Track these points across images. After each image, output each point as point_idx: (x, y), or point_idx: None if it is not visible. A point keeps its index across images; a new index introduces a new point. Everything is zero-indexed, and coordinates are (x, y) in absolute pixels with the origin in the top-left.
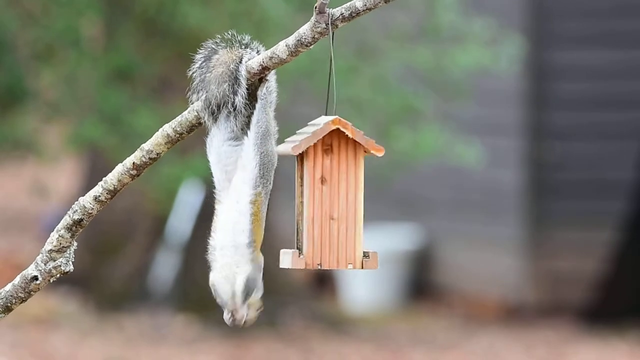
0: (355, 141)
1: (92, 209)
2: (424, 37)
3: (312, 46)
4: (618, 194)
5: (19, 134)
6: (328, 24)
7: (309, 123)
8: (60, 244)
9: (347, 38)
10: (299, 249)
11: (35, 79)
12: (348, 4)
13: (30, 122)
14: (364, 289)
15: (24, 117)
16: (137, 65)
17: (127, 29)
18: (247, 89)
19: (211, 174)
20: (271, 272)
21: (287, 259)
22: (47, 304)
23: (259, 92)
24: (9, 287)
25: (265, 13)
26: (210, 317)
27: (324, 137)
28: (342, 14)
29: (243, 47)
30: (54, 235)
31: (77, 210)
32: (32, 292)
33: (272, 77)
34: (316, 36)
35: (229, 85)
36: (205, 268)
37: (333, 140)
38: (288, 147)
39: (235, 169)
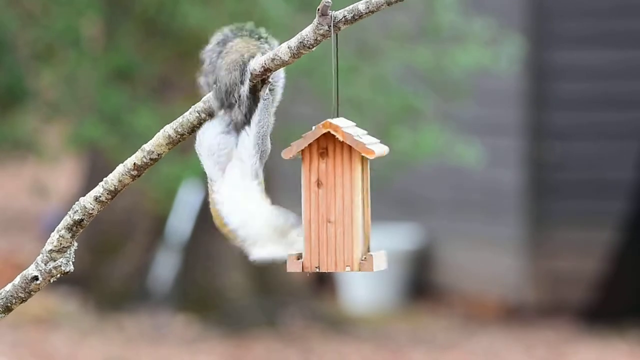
0: (350, 146)
1: (93, 209)
2: (424, 37)
3: (314, 48)
4: (618, 194)
5: (19, 134)
6: (330, 26)
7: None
8: (61, 244)
9: (347, 38)
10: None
11: (35, 79)
12: (351, 6)
13: (30, 122)
14: (364, 289)
15: (24, 117)
16: (137, 65)
17: (127, 29)
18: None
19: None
20: (271, 272)
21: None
22: (47, 303)
23: (261, 93)
24: (9, 287)
25: (265, 13)
26: (210, 317)
27: (319, 141)
28: (344, 17)
29: (262, 40)
30: (54, 236)
31: (77, 210)
32: (32, 292)
33: (281, 74)
34: (319, 38)
35: (239, 73)
36: (206, 268)
37: (328, 143)
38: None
39: (227, 159)
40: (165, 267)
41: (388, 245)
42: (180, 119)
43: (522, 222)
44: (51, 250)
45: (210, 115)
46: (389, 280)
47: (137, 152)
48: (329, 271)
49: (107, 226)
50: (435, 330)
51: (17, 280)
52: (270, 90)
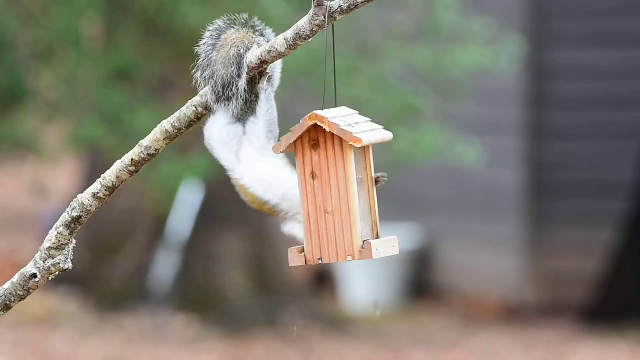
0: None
1: (91, 206)
2: (424, 37)
3: (311, 39)
4: (618, 194)
5: (19, 134)
6: (326, 16)
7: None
8: (59, 241)
9: (347, 38)
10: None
11: (35, 79)
12: None
13: (30, 122)
14: (364, 289)
15: (24, 117)
16: (137, 65)
17: (127, 29)
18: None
19: (217, 160)
20: (271, 272)
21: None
22: (47, 303)
23: (260, 85)
24: (8, 285)
25: (265, 13)
26: (210, 317)
27: (309, 133)
28: (340, 7)
29: (257, 33)
30: (52, 233)
31: (75, 207)
32: (31, 290)
33: (278, 65)
34: (314, 29)
35: (236, 68)
36: (206, 268)
37: (319, 134)
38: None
39: (239, 147)
40: (165, 267)
41: None
42: (177, 114)
43: (522, 222)
44: (49, 247)
45: (207, 109)
46: (389, 280)
47: (134, 148)
48: (331, 262)
49: (108, 226)
50: (435, 330)
51: (16, 278)
52: (268, 79)
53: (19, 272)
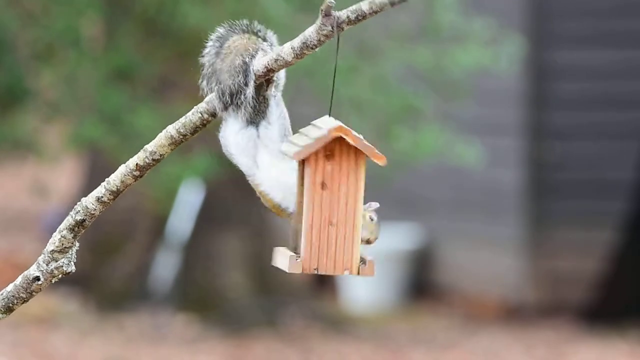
0: (356, 148)
1: (95, 209)
2: (424, 37)
3: (317, 49)
4: (618, 194)
5: (19, 134)
6: (334, 27)
7: (312, 123)
8: (63, 244)
9: (348, 38)
10: (296, 252)
11: (35, 79)
12: (354, 6)
13: (30, 122)
14: (364, 289)
15: (24, 117)
16: (137, 65)
17: (127, 29)
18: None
19: (235, 165)
20: (271, 272)
21: (283, 261)
22: (47, 303)
23: (268, 92)
24: (10, 287)
25: (265, 13)
26: (210, 317)
27: (328, 143)
28: (348, 17)
29: (260, 39)
30: (56, 236)
31: (79, 210)
32: (33, 293)
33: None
34: (322, 39)
35: (243, 77)
36: (206, 268)
37: (335, 146)
38: (290, 149)
39: (257, 150)
40: (165, 267)
41: (388, 245)
42: (182, 120)
43: (522, 222)
44: (53, 250)
45: (213, 115)
46: (389, 280)
47: (139, 153)
48: (327, 273)
49: (108, 226)
50: (435, 330)
51: (19, 280)
52: (275, 85)
53: (22, 275)
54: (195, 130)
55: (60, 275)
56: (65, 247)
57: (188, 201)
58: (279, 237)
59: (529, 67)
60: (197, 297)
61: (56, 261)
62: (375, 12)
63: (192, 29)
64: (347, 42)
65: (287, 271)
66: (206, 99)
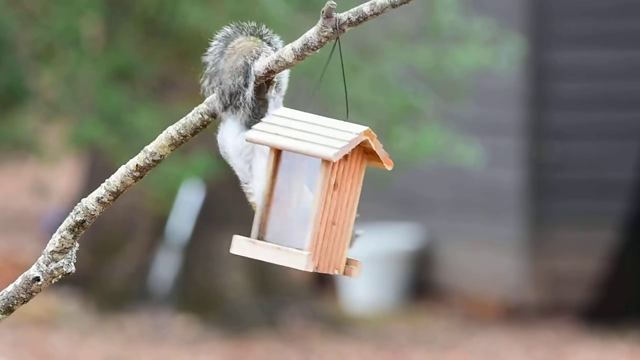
0: (364, 150)
1: (95, 210)
2: (424, 37)
3: (318, 50)
4: (618, 194)
5: (19, 134)
6: (335, 28)
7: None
8: (62, 245)
9: (347, 38)
10: (261, 238)
11: (35, 79)
12: (355, 8)
13: (30, 122)
14: (364, 289)
15: (24, 117)
16: (137, 65)
17: (127, 29)
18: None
19: (219, 162)
20: (271, 272)
21: (292, 260)
22: (47, 303)
23: (268, 94)
24: (10, 287)
25: (265, 13)
26: (210, 317)
27: None
28: (349, 19)
29: (265, 41)
30: (56, 237)
31: (79, 211)
32: (33, 293)
33: (285, 71)
34: (323, 40)
35: (243, 77)
36: (206, 268)
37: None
38: (327, 152)
39: (254, 155)
40: (165, 267)
41: (388, 245)
42: (183, 121)
43: (522, 222)
44: (53, 251)
45: (213, 116)
46: (389, 280)
47: (139, 154)
48: (322, 272)
49: (108, 226)
50: (435, 330)
51: (19, 281)
52: (276, 86)
53: (22, 275)
54: (195, 131)
55: (60, 276)
56: (65, 248)
57: (188, 201)
58: None
59: (529, 67)
60: (197, 298)
61: (56, 262)
62: (377, 14)
63: (192, 29)
64: (347, 42)
65: (302, 270)
66: (207, 99)
